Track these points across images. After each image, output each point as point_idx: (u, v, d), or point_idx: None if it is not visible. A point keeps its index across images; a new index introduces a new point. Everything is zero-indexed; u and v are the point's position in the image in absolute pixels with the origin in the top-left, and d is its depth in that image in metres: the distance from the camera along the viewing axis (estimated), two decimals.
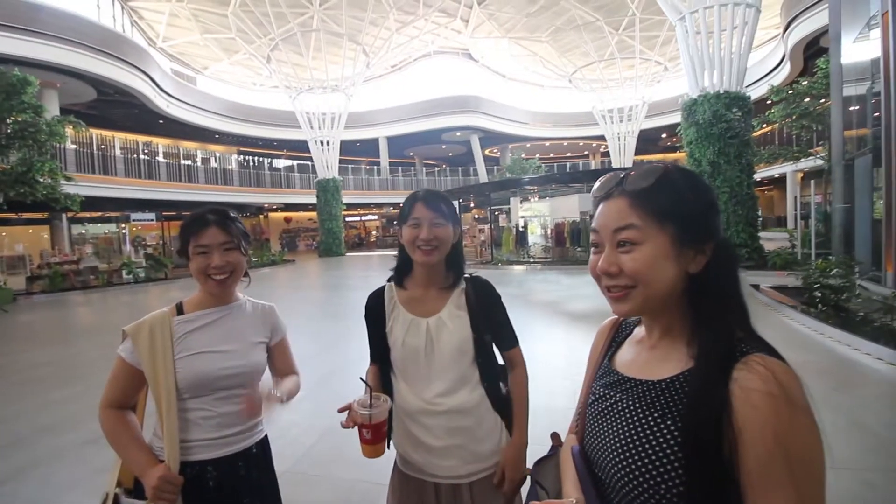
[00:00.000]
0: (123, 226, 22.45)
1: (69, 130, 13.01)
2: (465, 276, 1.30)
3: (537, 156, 32.28)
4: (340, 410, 1.11)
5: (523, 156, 28.72)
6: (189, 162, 25.66)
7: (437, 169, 36.91)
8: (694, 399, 0.57)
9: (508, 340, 1.28)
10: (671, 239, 0.62)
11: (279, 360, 1.35)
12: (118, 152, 21.33)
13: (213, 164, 27.62)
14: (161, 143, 26.01)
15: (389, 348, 1.25)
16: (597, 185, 0.70)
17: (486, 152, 34.25)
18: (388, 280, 1.32)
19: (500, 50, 28.02)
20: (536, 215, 16.70)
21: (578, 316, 6.88)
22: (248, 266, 1.29)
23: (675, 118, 12.94)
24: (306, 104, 22.93)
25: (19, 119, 11.12)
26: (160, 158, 23.96)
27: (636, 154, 27.90)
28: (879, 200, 6.42)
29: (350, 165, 29.73)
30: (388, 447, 1.19)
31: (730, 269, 0.64)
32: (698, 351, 0.60)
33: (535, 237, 16.47)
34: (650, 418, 0.61)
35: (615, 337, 0.80)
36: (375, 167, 31.89)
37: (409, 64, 30.45)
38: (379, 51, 24.16)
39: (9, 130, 11.11)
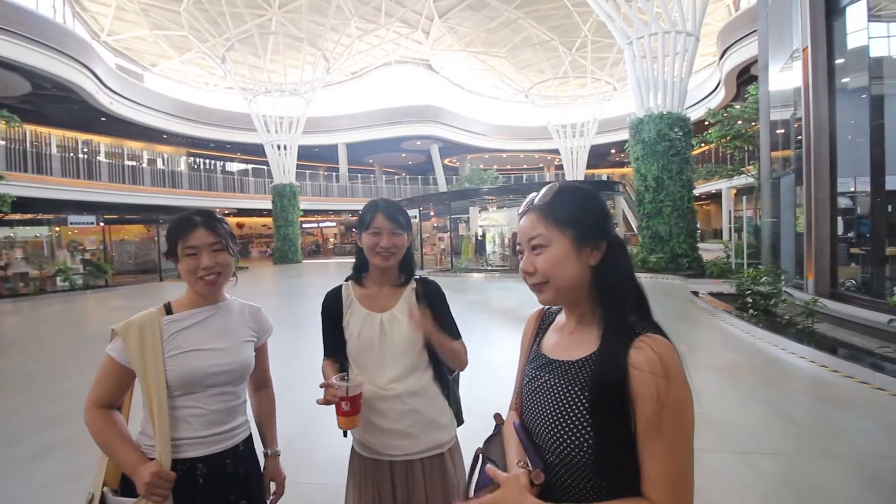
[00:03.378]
0: (57, 229, 20.83)
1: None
2: (415, 276, 1.46)
3: (495, 167, 32.98)
4: (322, 385, 1.22)
5: (482, 166, 29.27)
6: (134, 163, 24.22)
7: (396, 177, 36.82)
8: (596, 374, 0.73)
9: (452, 334, 1.43)
10: (571, 240, 0.78)
11: (257, 366, 1.37)
12: (54, 150, 19.86)
13: (161, 165, 26.27)
14: (103, 141, 24.41)
15: (346, 341, 1.37)
16: (522, 205, 0.88)
17: (446, 162, 34.58)
18: (346, 279, 1.46)
19: (460, 63, 28.60)
20: (494, 225, 17.04)
21: None
22: (234, 266, 1.33)
23: (624, 135, 13.70)
24: (263, 107, 22.33)
25: None
26: (102, 158, 22.45)
27: (588, 168, 29.14)
28: (801, 215, 7.10)
29: (308, 171, 29.09)
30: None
31: (622, 261, 0.80)
32: (602, 335, 0.76)
33: (493, 246, 16.81)
34: (571, 392, 0.76)
35: (541, 325, 0.96)
36: (334, 173, 31.42)
37: (369, 71, 30.42)
38: (339, 57, 23.98)
39: None
